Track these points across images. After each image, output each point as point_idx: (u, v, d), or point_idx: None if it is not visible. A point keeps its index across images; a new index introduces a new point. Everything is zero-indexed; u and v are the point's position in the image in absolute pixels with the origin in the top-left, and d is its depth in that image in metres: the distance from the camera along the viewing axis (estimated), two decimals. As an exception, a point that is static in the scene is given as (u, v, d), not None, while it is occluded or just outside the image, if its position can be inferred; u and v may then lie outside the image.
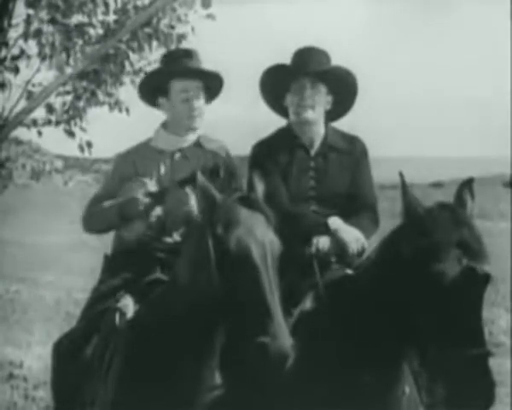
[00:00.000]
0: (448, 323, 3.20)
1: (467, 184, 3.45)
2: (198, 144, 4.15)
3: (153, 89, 4.18)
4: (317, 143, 4.13)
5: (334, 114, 4.20)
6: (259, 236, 3.28)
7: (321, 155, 4.12)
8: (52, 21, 7.56)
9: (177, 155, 4.12)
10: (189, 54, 4.17)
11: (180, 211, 3.96)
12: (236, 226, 3.28)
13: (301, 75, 4.05)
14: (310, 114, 4.07)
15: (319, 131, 4.14)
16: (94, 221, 4.08)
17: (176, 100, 4.10)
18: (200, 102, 4.11)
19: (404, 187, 3.39)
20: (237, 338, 3.26)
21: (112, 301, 3.82)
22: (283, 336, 3.14)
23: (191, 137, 4.15)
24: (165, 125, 4.21)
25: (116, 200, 4.02)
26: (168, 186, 4.01)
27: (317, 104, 4.07)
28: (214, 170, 4.01)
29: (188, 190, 3.96)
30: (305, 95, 4.05)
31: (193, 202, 3.91)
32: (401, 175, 3.40)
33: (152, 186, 4.02)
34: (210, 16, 7.67)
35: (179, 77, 4.09)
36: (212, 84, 4.18)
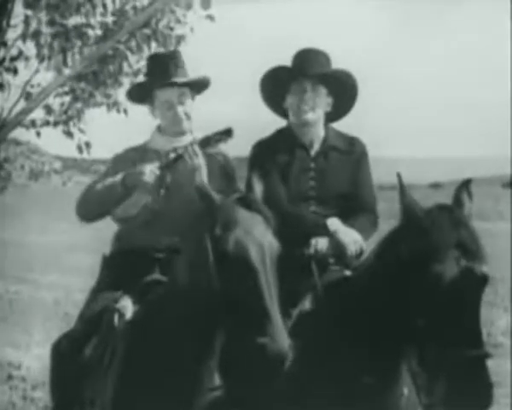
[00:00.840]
0: (446, 324, 3.20)
1: (465, 186, 3.46)
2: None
3: (139, 98, 4.23)
4: (317, 144, 4.14)
5: (333, 115, 4.20)
6: (258, 237, 3.28)
7: (321, 156, 4.12)
8: (50, 22, 7.56)
9: (172, 155, 4.13)
10: (171, 62, 4.16)
11: (190, 166, 3.95)
12: (235, 227, 3.28)
13: (302, 77, 4.06)
14: (310, 116, 4.07)
15: (319, 133, 4.14)
16: (92, 203, 4.03)
17: (160, 108, 4.14)
18: (185, 107, 4.13)
19: (402, 188, 3.39)
20: (236, 339, 3.26)
21: (110, 301, 3.82)
22: (281, 337, 3.14)
23: (187, 139, 4.15)
24: (159, 129, 4.24)
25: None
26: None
27: (317, 106, 4.08)
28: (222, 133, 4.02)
29: (196, 148, 3.97)
30: (305, 97, 4.06)
31: (200, 158, 3.95)
32: (399, 176, 3.41)
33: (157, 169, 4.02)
34: (209, 17, 7.67)
35: (161, 87, 4.11)
36: (197, 85, 4.20)
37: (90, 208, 4.07)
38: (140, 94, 4.23)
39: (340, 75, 4.13)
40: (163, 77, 4.11)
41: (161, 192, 3.96)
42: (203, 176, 3.92)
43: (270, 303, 3.18)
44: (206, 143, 4.00)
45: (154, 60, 4.29)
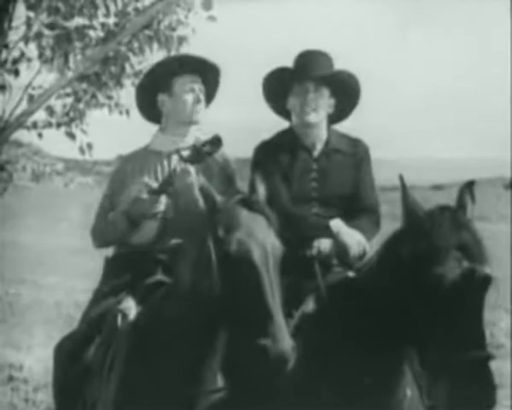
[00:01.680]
0: (449, 325, 3.20)
1: (467, 187, 3.45)
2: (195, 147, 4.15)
3: (153, 86, 4.18)
4: (320, 145, 4.13)
5: (336, 117, 4.20)
6: (260, 238, 3.28)
7: (323, 157, 4.12)
8: (52, 24, 7.55)
9: (175, 157, 4.12)
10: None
11: (184, 186, 3.92)
12: (237, 229, 3.28)
13: (305, 78, 4.06)
14: (313, 117, 4.07)
15: (321, 134, 4.14)
16: (103, 235, 4.08)
17: (181, 92, 4.12)
18: (203, 96, 4.15)
19: (404, 190, 3.39)
20: (238, 340, 3.27)
21: (114, 302, 3.82)
22: (284, 339, 3.14)
23: (188, 139, 4.15)
24: (162, 128, 4.22)
25: (119, 208, 4.02)
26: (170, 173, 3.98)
27: (319, 107, 4.08)
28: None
29: (188, 166, 3.94)
30: (308, 98, 4.05)
31: (193, 176, 3.91)
32: (401, 178, 3.40)
33: (152, 183, 4.02)
34: (211, 18, 7.66)
35: (183, 72, 4.12)
36: (209, 82, 4.21)
37: (105, 241, 4.12)
38: (156, 81, 4.16)
39: (343, 76, 4.13)
40: (184, 58, 4.17)
41: (159, 215, 3.96)
42: (196, 191, 3.87)
43: (273, 304, 3.18)
44: (196, 158, 3.96)
45: (169, 58, 4.31)
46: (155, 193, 3.94)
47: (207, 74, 4.19)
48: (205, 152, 3.95)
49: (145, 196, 3.93)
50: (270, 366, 3.13)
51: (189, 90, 4.11)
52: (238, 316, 3.22)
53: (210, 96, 4.27)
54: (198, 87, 4.13)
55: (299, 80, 4.07)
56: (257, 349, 3.13)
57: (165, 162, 4.11)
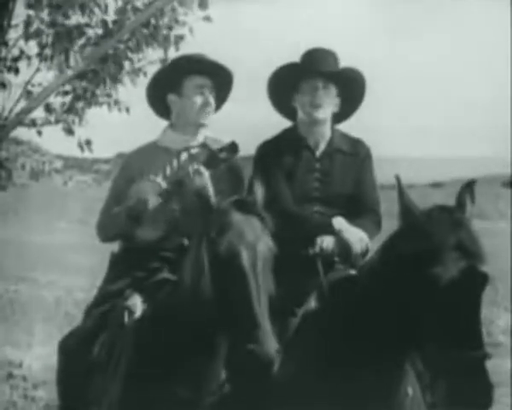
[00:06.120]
0: (447, 324, 3.20)
1: (468, 187, 3.44)
2: (204, 145, 4.14)
3: (164, 85, 4.15)
4: (323, 145, 4.13)
5: (339, 116, 4.19)
6: (251, 240, 3.29)
7: (326, 157, 4.11)
8: (52, 22, 7.55)
9: (184, 155, 4.11)
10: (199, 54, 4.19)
11: (195, 187, 3.86)
12: (228, 230, 3.29)
13: (314, 75, 4.04)
14: (321, 114, 4.05)
15: (325, 133, 4.13)
16: (106, 228, 4.08)
17: (190, 93, 4.08)
18: (212, 100, 4.11)
19: (401, 190, 3.39)
20: (228, 342, 3.29)
21: (120, 299, 3.82)
22: (268, 342, 3.16)
23: (198, 138, 4.14)
24: (172, 126, 4.20)
25: (124, 203, 4.01)
26: (183, 175, 3.96)
27: (327, 105, 4.06)
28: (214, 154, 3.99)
29: (201, 168, 3.92)
30: (317, 95, 4.03)
31: (206, 178, 3.89)
32: (397, 179, 3.41)
33: (161, 182, 4.01)
34: (207, 18, 7.64)
35: (194, 73, 4.09)
36: (221, 85, 4.18)
37: (108, 234, 4.11)
38: (167, 80, 4.13)
39: (352, 74, 4.11)
40: (195, 60, 4.10)
41: (167, 218, 3.95)
42: (211, 193, 3.83)
43: (258, 309, 3.19)
44: (212, 163, 3.93)
45: (181, 57, 4.28)
46: (167, 195, 3.92)
47: (219, 78, 4.15)
48: (221, 158, 3.93)
49: (153, 199, 3.92)
50: (255, 369, 3.15)
51: (198, 92, 4.08)
52: (226, 317, 3.24)
53: (221, 100, 4.24)
54: (208, 90, 4.09)
55: (309, 77, 4.04)
56: (243, 353, 3.15)
57: (175, 160, 4.10)
